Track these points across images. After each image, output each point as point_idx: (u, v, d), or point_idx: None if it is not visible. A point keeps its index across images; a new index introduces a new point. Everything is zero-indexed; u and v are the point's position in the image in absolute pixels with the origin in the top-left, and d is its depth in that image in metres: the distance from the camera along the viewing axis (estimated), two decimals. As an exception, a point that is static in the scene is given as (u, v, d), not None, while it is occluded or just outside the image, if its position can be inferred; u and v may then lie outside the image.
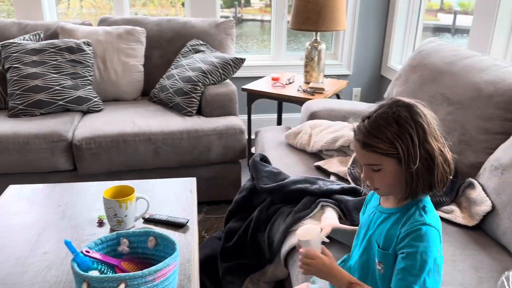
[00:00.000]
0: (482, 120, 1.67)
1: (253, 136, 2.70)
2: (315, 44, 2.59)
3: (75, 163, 2.19)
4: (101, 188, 1.48)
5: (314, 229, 1.07)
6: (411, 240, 0.93)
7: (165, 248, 1.14)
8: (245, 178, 2.61)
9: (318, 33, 2.60)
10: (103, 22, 2.83)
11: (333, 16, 2.42)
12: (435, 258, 0.93)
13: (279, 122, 3.00)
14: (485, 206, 1.41)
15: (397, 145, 0.92)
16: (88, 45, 2.55)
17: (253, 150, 2.74)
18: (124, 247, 1.14)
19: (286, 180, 1.60)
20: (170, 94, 2.48)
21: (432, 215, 0.98)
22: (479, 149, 1.65)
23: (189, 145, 2.24)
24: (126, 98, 2.69)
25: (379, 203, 1.08)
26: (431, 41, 2.24)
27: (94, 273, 1.01)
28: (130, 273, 0.97)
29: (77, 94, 2.39)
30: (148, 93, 2.72)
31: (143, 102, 2.66)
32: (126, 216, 1.38)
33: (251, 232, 1.61)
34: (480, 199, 1.45)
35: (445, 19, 3.38)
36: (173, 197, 1.60)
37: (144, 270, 0.98)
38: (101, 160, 2.17)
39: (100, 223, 1.44)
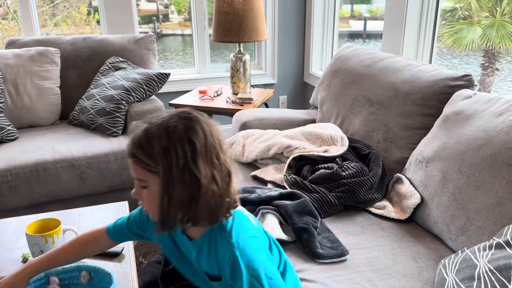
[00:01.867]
0: (402, 117, 1.77)
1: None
2: (239, 55, 2.60)
3: (-10, 199, 1.99)
4: (23, 224, 1.36)
5: None
6: (237, 274, 0.85)
7: (101, 282, 1.05)
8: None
9: (241, 44, 2.61)
10: (11, 44, 2.63)
11: (254, 26, 2.44)
12: (266, 273, 0.86)
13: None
14: (415, 199, 1.48)
15: (160, 161, 0.81)
16: (-5, 69, 2.35)
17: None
18: (54, 286, 1.04)
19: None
20: (91, 115, 2.35)
21: (237, 228, 0.89)
22: (403, 145, 1.74)
23: (118, 167, 2.13)
24: (43, 124, 2.50)
25: (182, 230, 0.96)
26: (348, 47, 2.34)
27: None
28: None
29: (-14, 124, 2.18)
30: (67, 116, 2.55)
31: (62, 126, 2.49)
32: (53, 251, 1.26)
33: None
34: (409, 192, 1.52)
35: (356, 25, 3.57)
36: (104, 224, 1.50)
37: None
38: (20, 192, 1.99)
39: (25, 262, 1.31)
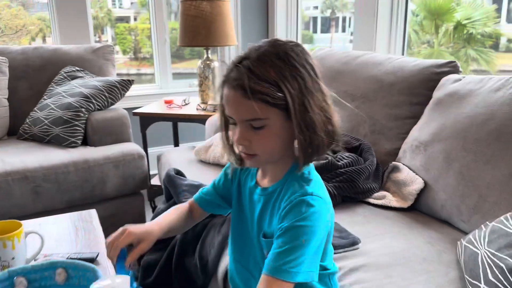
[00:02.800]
0: (389, 108, 1.70)
1: (153, 167, 2.43)
2: (208, 62, 2.48)
3: None
4: None
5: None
6: (292, 215, 0.75)
7: (81, 281, 0.85)
8: (150, 213, 2.31)
9: (209, 51, 2.49)
10: (-50, 53, 2.35)
11: (223, 31, 2.35)
12: (318, 240, 0.76)
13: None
14: (417, 184, 1.39)
15: (286, 89, 0.72)
16: None
17: (154, 181, 2.46)
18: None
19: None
20: (46, 126, 2.11)
21: (317, 184, 0.81)
22: (392, 136, 1.67)
23: (79, 179, 1.89)
24: (-11, 139, 2.22)
25: (256, 182, 0.88)
26: (320, 49, 2.30)
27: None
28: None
29: None
30: (16, 131, 2.28)
31: (11, 141, 2.21)
32: (13, 258, 1.03)
33: (176, 258, 1.36)
34: (410, 178, 1.43)
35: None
36: (71, 233, 1.29)
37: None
38: (-38, 210, 1.70)
39: (-26, 276, 1.06)
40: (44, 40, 3.15)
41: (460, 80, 1.51)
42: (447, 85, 1.53)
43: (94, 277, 0.81)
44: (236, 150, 0.84)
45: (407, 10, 2.33)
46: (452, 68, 1.63)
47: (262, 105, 0.73)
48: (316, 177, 0.82)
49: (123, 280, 0.74)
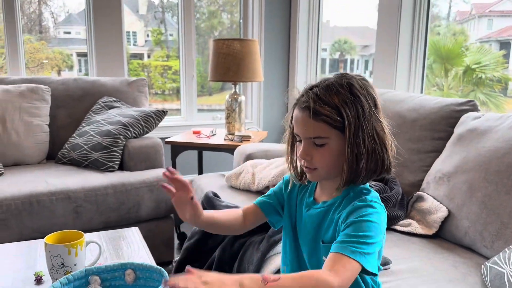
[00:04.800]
0: (412, 142, 1.81)
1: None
2: (235, 96, 2.64)
3: (-26, 233, 1.79)
4: (15, 252, 1.33)
5: None
6: (356, 213, 0.84)
7: (147, 282, 0.95)
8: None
9: (237, 85, 2.66)
10: (-3, 82, 2.54)
11: (252, 68, 2.51)
12: (379, 238, 0.83)
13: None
14: (442, 212, 1.48)
15: (345, 115, 0.84)
16: (-17, 103, 2.24)
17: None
18: (95, 286, 0.92)
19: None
20: (85, 151, 2.24)
21: (376, 196, 0.90)
22: (415, 169, 1.77)
23: (116, 201, 2.01)
24: (29, 162, 2.36)
25: (314, 198, 0.97)
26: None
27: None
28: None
29: (-29, 156, 2.03)
30: (54, 156, 2.43)
31: (50, 164, 2.35)
32: (75, 265, 1.14)
33: (213, 275, 1.44)
34: (434, 207, 1.52)
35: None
36: (123, 247, 1.39)
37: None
38: (10, 227, 1.81)
39: (38, 280, 1.17)
40: (59, 73, 3.31)
41: (480, 117, 1.62)
42: (468, 121, 1.64)
43: (161, 277, 0.90)
44: (298, 166, 0.95)
45: (426, 51, 2.48)
46: (471, 107, 1.75)
47: (324, 126, 0.85)
48: (373, 192, 0.92)
49: None
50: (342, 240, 0.81)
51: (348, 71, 3.64)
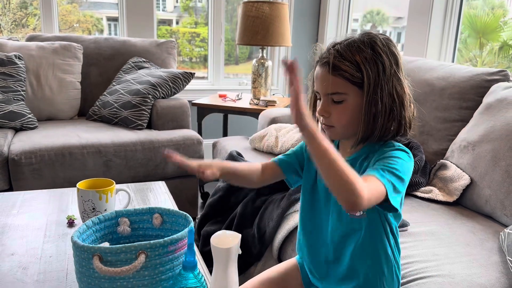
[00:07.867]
0: (438, 111, 1.80)
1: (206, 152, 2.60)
2: (262, 61, 2.64)
3: (11, 181, 1.90)
4: (49, 198, 1.40)
5: (231, 235, 0.85)
6: (387, 153, 0.85)
7: (173, 226, 1.00)
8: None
9: (265, 50, 2.65)
10: (32, 39, 2.61)
11: (280, 32, 2.50)
12: (405, 176, 0.83)
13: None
14: (464, 181, 1.49)
15: (365, 70, 0.83)
16: (20, 58, 2.32)
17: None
18: (124, 227, 0.98)
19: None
20: (115, 109, 2.31)
21: (401, 146, 0.89)
22: (440, 137, 1.76)
23: (144, 157, 2.08)
24: (62, 117, 2.45)
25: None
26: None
27: (105, 245, 0.85)
28: (151, 242, 0.83)
29: (9, 109, 2.13)
30: (85, 113, 2.51)
31: (82, 121, 2.44)
32: (106, 210, 1.20)
33: (234, 229, 1.50)
34: (457, 175, 1.52)
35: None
36: (150, 198, 1.45)
37: (166, 239, 0.85)
38: (43, 176, 1.91)
39: (71, 223, 1.24)
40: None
41: (511, 87, 1.59)
42: (498, 91, 1.61)
43: (186, 223, 0.95)
44: (320, 125, 0.96)
45: (460, 18, 2.40)
46: (502, 77, 1.71)
47: (342, 81, 0.84)
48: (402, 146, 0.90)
49: (234, 234, 0.85)
50: (374, 168, 0.82)
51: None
